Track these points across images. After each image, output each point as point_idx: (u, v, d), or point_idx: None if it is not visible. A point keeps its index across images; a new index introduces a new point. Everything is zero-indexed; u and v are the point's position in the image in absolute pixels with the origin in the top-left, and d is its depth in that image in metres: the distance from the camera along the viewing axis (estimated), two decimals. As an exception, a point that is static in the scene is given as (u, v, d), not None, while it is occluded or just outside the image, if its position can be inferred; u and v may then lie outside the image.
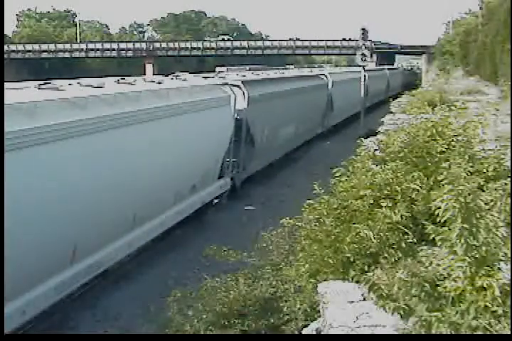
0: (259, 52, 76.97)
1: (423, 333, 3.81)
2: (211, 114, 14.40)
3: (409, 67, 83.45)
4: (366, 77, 36.32)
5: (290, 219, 6.89)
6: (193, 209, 13.56)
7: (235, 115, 16.19)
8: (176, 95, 13.15)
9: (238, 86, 16.66)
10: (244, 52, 77.25)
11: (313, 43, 75.03)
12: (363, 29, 33.86)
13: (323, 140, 28.76)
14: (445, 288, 3.85)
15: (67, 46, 79.30)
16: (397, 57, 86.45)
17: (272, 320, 6.38)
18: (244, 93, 16.73)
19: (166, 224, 12.07)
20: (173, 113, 12.38)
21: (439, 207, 3.95)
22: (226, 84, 16.59)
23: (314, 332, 5.07)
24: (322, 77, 30.42)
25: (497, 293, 3.64)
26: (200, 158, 13.92)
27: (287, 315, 6.24)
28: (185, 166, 12.92)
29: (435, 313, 3.79)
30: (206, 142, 14.19)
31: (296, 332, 5.87)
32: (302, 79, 26.44)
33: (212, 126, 14.46)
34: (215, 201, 15.48)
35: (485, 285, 3.72)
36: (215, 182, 15.25)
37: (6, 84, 9.04)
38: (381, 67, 55.83)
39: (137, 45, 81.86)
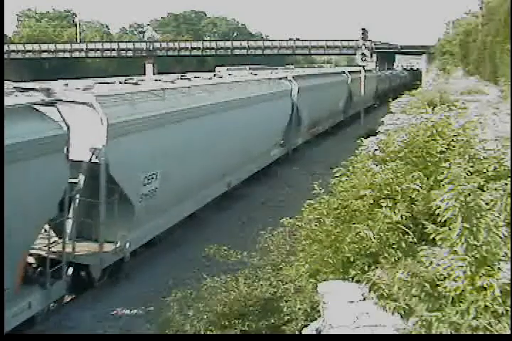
0: (259, 52, 76.89)
1: (423, 333, 3.81)
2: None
3: (396, 68, 77.13)
4: (294, 91, 22.77)
5: (290, 218, 6.88)
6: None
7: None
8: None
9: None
10: (244, 52, 77.13)
11: (313, 43, 74.90)
12: (362, 29, 33.98)
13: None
14: (445, 288, 3.85)
15: (67, 46, 79.13)
16: (397, 57, 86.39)
17: (272, 320, 6.37)
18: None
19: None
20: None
21: (440, 207, 3.95)
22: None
23: (314, 332, 5.06)
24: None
25: (497, 292, 3.64)
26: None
27: (287, 315, 6.24)
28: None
29: (435, 313, 3.79)
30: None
31: (297, 332, 5.87)
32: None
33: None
34: None
35: (485, 285, 3.72)
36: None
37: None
38: (338, 69, 42.44)
39: (137, 45, 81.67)
